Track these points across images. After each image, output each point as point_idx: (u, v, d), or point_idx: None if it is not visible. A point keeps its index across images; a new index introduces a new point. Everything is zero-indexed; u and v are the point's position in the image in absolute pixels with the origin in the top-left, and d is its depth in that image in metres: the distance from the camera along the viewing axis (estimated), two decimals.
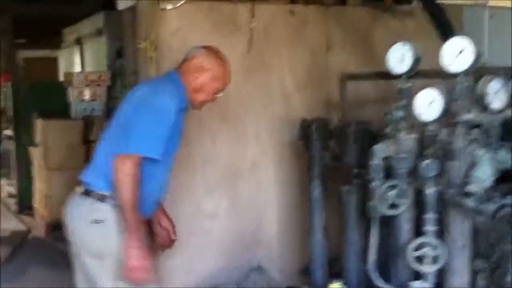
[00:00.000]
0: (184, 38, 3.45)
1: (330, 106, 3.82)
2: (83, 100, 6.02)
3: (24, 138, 7.01)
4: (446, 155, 2.37)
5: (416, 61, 2.59)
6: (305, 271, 3.55)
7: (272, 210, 3.82)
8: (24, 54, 8.76)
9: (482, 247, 2.55)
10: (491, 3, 6.31)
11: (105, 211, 2.47)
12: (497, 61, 4.43)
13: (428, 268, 2.51)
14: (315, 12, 3.85)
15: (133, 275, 2.40)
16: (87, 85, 5.97)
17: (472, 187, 2.24)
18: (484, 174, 2.23)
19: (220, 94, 2.70)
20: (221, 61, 2.69)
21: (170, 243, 2.88)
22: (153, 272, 2.46)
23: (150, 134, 2.44)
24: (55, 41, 7.57)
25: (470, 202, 2.27)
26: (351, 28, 3.99)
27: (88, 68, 6.81)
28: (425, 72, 2.68)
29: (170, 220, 2.88)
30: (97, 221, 2.47)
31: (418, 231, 2.57)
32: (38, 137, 6.15)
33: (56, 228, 5.03)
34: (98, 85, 6.02)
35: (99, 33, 6.37)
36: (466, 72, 2.34)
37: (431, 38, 3.29)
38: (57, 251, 4.95)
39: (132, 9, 3.53)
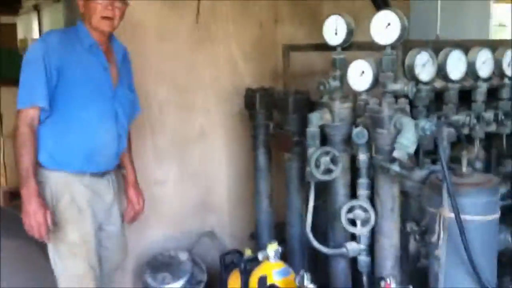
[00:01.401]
0: (132, 8, 3.42)
1: (277, 76, 3.90)
2: None
3: None
4: (374, 123, 2.48)
5: (349, 33, 2.69)
6: (255, 236, 3.68)
7: (221, 178, 3.92)
8: None
9: (414, 210, 2.72)
10: None
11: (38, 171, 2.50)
12: (451, 36, 4.55)
13: (359, 230, 2.66)
14: None
15: (28, 230, 2.40)
16: None
17: (396, 153, 2.35)
18: (407, 141, 2.34)
19: (100, 1, 2.51)
20: None
21: (134, 215, 2.89)
22: (47, 228, 2.39)
23: (23, 84, 2.45)
24: (14, 7, 7.43)
25: (395, 167, 2.39)
26: (300, 2, 4.04)
27: None
28: (359, 44, 2.77)
29: (137, 191, 2.88)
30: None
31: (355, 196, 2.69)
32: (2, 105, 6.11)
33: (15, 196, 5.01)
34: None
35: (56, 0, 6.28)
36: (393, 45, 2.44)
37: None
38: (15, 219, 4.94)
39: None
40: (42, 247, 2.60)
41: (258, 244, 3.54)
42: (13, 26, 7.36)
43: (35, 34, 6.77)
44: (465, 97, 2.75)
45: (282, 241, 3.15)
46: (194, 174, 3.83)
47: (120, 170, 2.88)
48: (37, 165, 2.48)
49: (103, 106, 2.57)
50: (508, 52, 2.70)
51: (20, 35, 7.02)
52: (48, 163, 2.51)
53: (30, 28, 6.61)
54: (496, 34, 5.49)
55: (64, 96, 2.47)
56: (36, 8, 6.79)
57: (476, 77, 2.68)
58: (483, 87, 2.69)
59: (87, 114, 2.51)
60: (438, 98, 2.71)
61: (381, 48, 2.50)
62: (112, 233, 2.77)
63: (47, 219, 2.38)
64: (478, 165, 2.72)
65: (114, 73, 2.63)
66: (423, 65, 2.55)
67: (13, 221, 5.31)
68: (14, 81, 6.02)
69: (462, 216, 2.16)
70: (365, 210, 2.62)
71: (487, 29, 5.10)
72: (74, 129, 2.50)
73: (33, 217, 2.36)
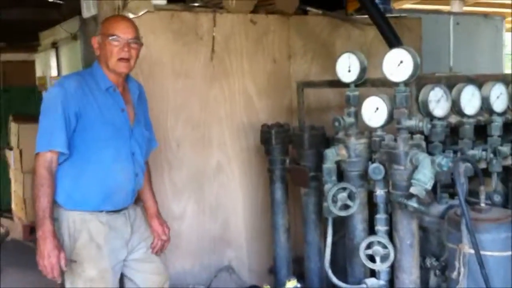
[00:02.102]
0: (146, 46, 3.48)
1: (292, 112, 3.95)
2: None
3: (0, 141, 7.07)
4: (390, 159, 2.50)
5: (363, 70, 2.72)
6: (273, 271, 3.67)
7: (238, 212, 3.94)
8: (2, 57, 8.75)
9: (433, 246, 2.71)
10: (456, 10, 6.49)
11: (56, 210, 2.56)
12: (462, 67, 4.61)
13: (379, 266, 2.65)
14: (276, 22, 3.97)
15: (42, 271, 2.43)
16: None
17: (414, 189, 2.36)
18: (424, 177, 2.35)
19: (116, 43, 2.54)
20: (105, 21, 2.66)
21: (161, 245, 2.89)
22: (59, 269, 2.42)
23: (42, 129, 2.49)
24: (33, 45, 7.59)
25: (413, 203, 2.40)
26: (312, 37, 4.11)
27: (64, 72, 6.82)
28: (372, 81, 2.81)
29: (161, 222, 2.90)
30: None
31: (374, 231, 2.68)
32: (13, 141, 6.20)
33: (34, 230, 5.07)
34: None
35: (74, 37, 6.40)
36: (406, 82, 2.48)
37: None
38: (35, 253, 4.99)
39: (95, 18, 3.59)
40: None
41: (276, 279, 3.53)
42: (32, 63, 7.50)
43: (53, 72, 6.89)
44: (481, 131, 2.76)
45: (300, 276, 3.15)
46: (211, 209, 3.86)
47: (137, 203, 2.90)
48: (55, 205, 2.53)
49: (120, 146, 2.60)
50: None
51: (38, 72, 7.15)
52: (66, 203, 2.56)
53: (48, 65, 6.72)
54: (510, 63, 5.55)
55: (82, 139, 2.52)
56: (54, 46, 6.92)
57: (491, 112, 2.70)
58: (498, 122, 2.70)
59: (103, 156, 2.55)
60: (453, 132, 2.73)
61: (393, 84, 2.54)
62: (139, 258, 2.78)
63: (60, 261, 2.41)
64: (497, 199, 2.72)
65: (131, 113, 2.68)
66: (437, 101, 2.58)
67: (32, 254, 5.44)
68: (32, 118, 6.14)
69: (482, 252, 2.16)
70: (384, 246, 2.61)
71: (500, 58, 5.14)
72: (91, 170, 2.54)
73: (46, 258, 2.39)
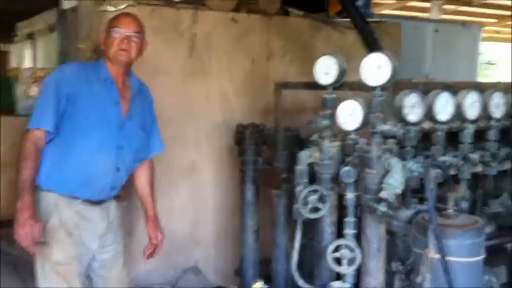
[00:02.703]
0: None
1: (268, 112, 3.93)
2: (29, 97, 5.94)
3: None
4: (363, 163, 2.49)
5: (341, 73, 2.72)
6: (240, 272, 3.65)
7: (208, 212, 3.92)
8: None
9: (400, 250, 2.72)
10: (435, 18, 6.57)
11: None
12: (440, 74, 4.66)
13: (345, 269, 2.64)
14: (257, 21, 3.98)
15: (17, 238, 2.48)
16: (34, 81, 5.86)
17: (384, 194, 2.36)
18: (395, 181, 2.35)
19: (117, 35, 2.68)
20: (112, 17, 2.82)
21: (152, 250, 2.95)
22: (33, 239, 2.48)
23: (36, 107, 2.64)
24: (9, 36, 7.50)
25: (382, 207, 2.40)
26: (292, 38, 4.12)
27: (40, 64, 6.73)
28: (350, 84, 2.81)
29: (156, 227, 2.95)
30: None
31: (342, 235, 2.67)
32: None
33: (2, 225, 4.98)
34: None
35: (51, 29, 6.33)
36: (383, 87, 2.48)
37: None
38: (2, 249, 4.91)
39: (74, 9, 3.55)
40: (24, 280, 2.63)
41: (243, 280, 3.51)
42: (7, 54, 7.42)
43: (28, 63, 6.81)
44: (452, 138, 2.78)
45: (267, 278, 3.14)
46: (182, 208, 3.82)
47: (123, 203, 2.92)
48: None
49: (105, 137, 2.66)
50: (495, 95, 2.74)
51: (13, 63, 7.06)
52: (44, 183, 2.62)
53: (23, 56, 6.65)
54: (485, 71, 5.64)
55: (70, 123, 2.61)
56: (31, 37, 6.84)
57: (464, 119, 2.71)
58: (470, 129, 2.71)
59: (87, 143, 2.62)
60: (425, 138, 2.74)
61: (370, 89, 2.54)
62: (106, 262, 2.82)
63: (35, 231, 2.48)
64: (464, 205, 2.72)
65: (125, 108, 2.74)
66: (412, 107, 2.58)
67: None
68: (4, 111, 6.02)
69: (447, 257, 2.16)
70: (351, 249, 2.61)
71: (475, 67, 5.21)
72: (73, 154, 2.61)
73: (22, 226, 2.46)
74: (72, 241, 2.63)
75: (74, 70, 2.70)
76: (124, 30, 2.68)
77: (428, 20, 5.82)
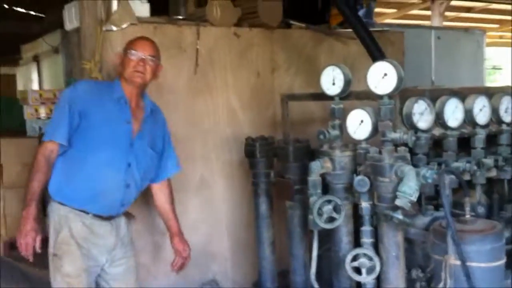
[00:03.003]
0: None
1: (275, 125, 3.96)
2: (38, 118, 5.98)
3: None
4: (376, 171, 2.50)
5: (347, 83, 2.74)
6: (258, 284, 3.64)
7: (223, 226, 3.93)
8: None
9: (419, 257, 2.72)
10: (436, 25, 6.59)
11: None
12: (444, 81, 4.67)
13: (365, 278, 2.64)
14: (260, 35, 4.00)
15: (18, 247, 2.62)
16: (42, 103, 5.92)
17: (399, 202, 2.37)
18: (409, 189, 2.35)
19: (133, 57, 2.78)
20: (130, 40, 2.91)
21: (181, 264, 3.09)
22: (33, 249, 2.61)
23: (50, 122, 2.77)
24: (14, 59, 7.56)
25: (398, 215, 2.41)
26: (296, 51, 4.14)
27: (46, 86, 6.76)
28: (357, 93, 2.82)
29: (182, 241, 3.08)
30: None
31: (359, 244, 2.68)
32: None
33: (14, 246, 5.01)
34: (53, 103, 5.99)
35: (56, 51, 6.36)
36: (390, 95, 2.49)
37: None
38: (15, 269, 4.93)
39: (78, 30, 3.57)
40: None
41: None
42: (13, 77, 7.45)
43: (35, 85, 6.84)
44: (463, 143, 2.79)
45: None
46: (195, 222, 3.82)
47: (131, 220, 2.98)
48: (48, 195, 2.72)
49: (116, 154, 2.74)
50: (504, 99, 2.75)
51: (19, 86, 7.09)
52: (56, 194, 2.72)
53: (29, 79, 6.68)
54: (491, 76, 5.66)
55: (81, 138, 2.70)
56: (36, 59, 6.87)
57: (474, 124, 2.72)
58: (481, 134, 2.72)
59: (97, 158, 2.70)
60: (436, 144, 2.75)
61: (378, 97, 2.55)
62: (117, 275, 2.89)
63: (35, 242, 2.60)
64: (480, 210, 2.73)
65: (136, 127, 2.81)
66: (421, 114, 2.60)
67: (12, 271, 5.36)
68: (14, 133, 6.05)
69: (468, 263, 2.16)
70: (370, 258, 2.61)
71: (481, 71, 5.22)
72: (83, 169, 2.69)
73: (24, 237, 2.59)
74: (81, 253, 2.70)
75: (87, 87, 2.80)
76: (140, 53, 2.78)
77: (431, 28, 5.84)
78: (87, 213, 2.72)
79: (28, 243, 2.59)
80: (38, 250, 2.61)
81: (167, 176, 3.07)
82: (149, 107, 2.90)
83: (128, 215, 2.94)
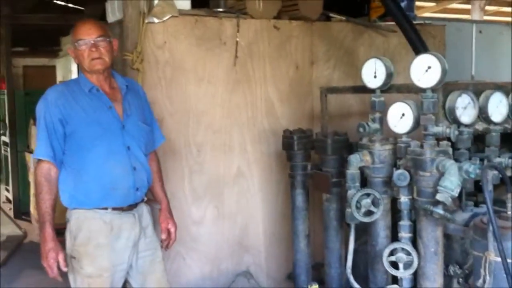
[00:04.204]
0: (170, 51, 3.59)
1: (313, 117, 3.95)
2: None
3: (20, 144, 7.18)
4: (416, 165, 2.48)
5: (389, 76, 2.71)
6: (292, 276, 3.65)
7: (258, 217, 3.94)
8: (24, 62, 8.88)
9: (457, 253, 2.69)
10: (477, 19, 6.46)
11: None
12: (484, 76, 4.60)
13: (402, 273, 2.63)
14: (299, 28, 3.99)
15: (46, 269, 2.59)
16: None
17: (440, 196, 2.35)
18: (451, 184, 2.33)
19: (83, 47, 2.66)
20: (72, 30, 2.76)
21: (167, 242, 2.95)
22: (58, 270, 2.58)
23: (36, 139, 2.69)
24: (54, 50, 7.70)
25: (439, 210, 2.38)
26: (335, 43, 4.12)
27: None
28: (398, 86, 2.80)
29: (168, 219, 2.95)
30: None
31: (396, 238, 2.67)
32: (32, 143, 6.26)
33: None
34: None
35: None
36: (433, 88, 2.46)
37: (413, 54, 3.40)
38: None
39: (120, 22, 3.62)
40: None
41: (295, 285, 3.51)
42: (52, 68, 7.60)
43: (74, 76, 6.97)
44: (506, 138, 2.74)
45: (319, 282, 3.12)
46: (231, 214, 3.86)
47: (153, 205, 2.94)
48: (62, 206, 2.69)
49: (111, 142, 2.68)
50: None
51: (59, 77, 7.23)
52: (70, 203, 2.69)
53: (68, 70, 6.80)
54: None
55: (74, 141, 2.65)
56: None
57: None
58: None
59: (95, 153, 2.64)
60: (477, 139, 2.71)
61: (420, 90, 2.52)
62: (143, 268, 2.81)
63: (58, 261, 2.57)
64: None
65: (120, 109, 2.75)
66: (464, 108, 2.56)
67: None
68: None
69: (508, 260, 2.13)
70: (407, 252, 2.59)
71: None
72: (88, 169, 2.64)
73: (45, 260, 2.57)
74: (101, 253, 2.66)
75: (56, 93, 2.68)
76: (87, 39, 2.66)
77: (472, 22, 5.73)
78: (106, 208, 2.67)
79: (50, 265, 2.56)
80: (64, 268, 2.59)
81: (155, 147, 2.99)
82: (123, 84, 2.81)
83: (150, 203, 2.89)
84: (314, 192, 3.43)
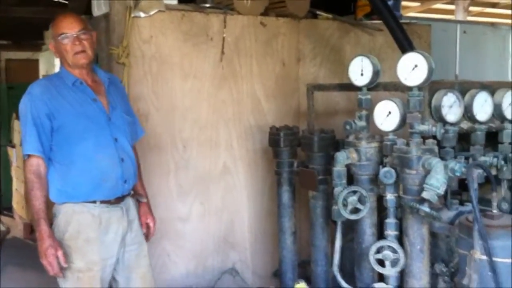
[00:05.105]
0: (156, 45, 3.56)
1: (299, 115, 3.95)
2: None
3: (2, 139, 7.08)
4: (402, 163, 2.49)
5: (375, 74, 2.72)
6: (278, 274, 3.66)
7: (244, 214, 3.93)
8: (7, 55, 8.77)
9: (443, 252, 2.70)
10: (460, 19, 6.52)
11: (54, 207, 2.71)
12: (468, 76, 4.65)
13: (389, 271, 2.64)
14: (286, 25, 3.98)
15: (45, 268, 2.55)
16: None
17: (426, 194, 2.36)
18: (437, 182, 2.35)
19: (66, 40, 2.64)
20: (52, 25, 2.75)
21: (146, 235, 2.91)
22: (58, 266, 2.53)
23: (22, 136, 2.65)
24: (38, 44, 7.61)
25: (425, 208, 2.40)
26: (322, 41, 4.12)
27: None
28: (385, 84, 2.81)
29: (146, 212, 2.92)
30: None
31: (382, 236, 2.69)
32: (16, 138, 6.18)
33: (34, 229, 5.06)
34: None
35: None
36: (419, 86, 2.48)
37: (400, 52, 3.41)
38: (36, 251, 4.99)
39: (106, 16, 3.59)
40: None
41: (281, 283, 3.52)
42: (35, 62, 7.51)
43: (57, 70, 6.90)
44: (490, 137, 2.76)
45: (305, 280, 3.13)
46: (217, 210, 3.85)
47: (139, 198, 2.91)
48: (52, 202, 2.65)
49: (98, 135, 2.67)
50: None
51: (42, 71, 7.15)
52: (58, 198, 2.65)
53: (52, 64, 6.72)
54: None
55: (61, 136, 2.62)
56: None
57: (503, 119, 2.69)
58: (509, 129, 2.70)
59: (84, 146, 2.63)
60: (461, 138, 2.73)
61: (407, 88, 2.54)
62: (129, 262, 2.79)
63: (58, 257, 2.53)
64: (505, 206, 2.71)
65: (105, 102, 2.74)
66: (450, 106, 2.58)
67: (32, 252, 5.43)
68: None
69: (494, 259, 2.15)
70: (394, 250, 2.61)
71: (506, 68, 5.17)
72: (76, 163, 2.62)
73: (44, 257, 2.53)
74: (91, 247, 2.64)
75: (41, 88, 2.66)
76: (70, 32, 2.64)
77: (456, 22, 5.79)
78: (95, 202, 2.65)
79: (50, 262, 2.52)
80: (64, 264, 2.54)
81: (136, 140, 2.97)
82: (106, 78, 2.81)
83: (135, 196, 2.87)
84: (300, 189, 3.43)
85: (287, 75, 4.00)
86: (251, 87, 3.88)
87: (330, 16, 4.15)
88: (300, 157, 3.35)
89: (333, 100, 4.05)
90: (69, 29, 2.64)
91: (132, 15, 3.46)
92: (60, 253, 2.52)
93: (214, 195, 3.84)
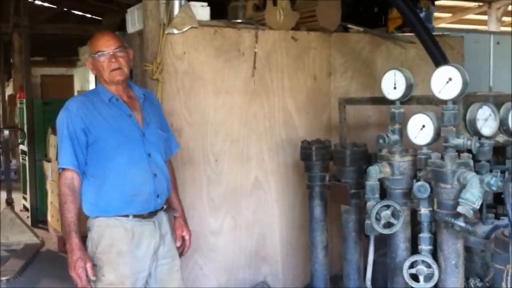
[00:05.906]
0: (189, 61, 3.62)
1: (331, 129, 3.95)
2: None
3: (38, 153, 7.25)
4: (437, 177, 2.47)
5: (409, 88, 2.71)
6: None
7: (275, 228, 3.94)
8: (42, 71, 8.99)
9: (478, 266, 2.66)
10: (493, 30, 6.43)
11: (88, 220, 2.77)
12: (502, 87, 4.58)
13: (422, 285, 2.61)
14: (317, 39, 4.00)
15: (73, 280, 2.59)
16: None
17: (461, 209, 2.33)
18: (473, 196, 2.32)
19: (103, 58, 2.71)
20: (89, 42, 2.81)
21: (182, 249, 2.96)
22: (86, 279, 2.57)
23: (59, 149, 2.72)
24: (72, 60, 7.79)
25: (460, 223, 2.37)
26: (353, 55, 4.13)
27: None
28: (419, 98, 2.79)
29: (182, 226, 2.96)
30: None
31: (415, 250, 2.66)
32: (51, 152, 6.32)
33: None
34: None
35: None
36: (454, 100, 2.46)
37: (432, 65, 3.39)
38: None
39: (140, 33, 3.66)
40: None
41: None
42: (69, 78, 7.69)
43: (92, 86, 7.05)
44: None
45: None
46: (248, 224, 3.86)
47: (172, 212, 2.95)
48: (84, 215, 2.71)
49: (133, 150, 2.72)
50: None
51: (77, 86, 7.31)
52: (92, 211, 2.71)
53: (86, 80, 6.87)
54: None
55: (96, 150, 2.68)
56: None
57: None
58: None
59: (118, 161, 2.68)
60: (496, 152, 2.69)
61: (441, 102, 2.52)
62: (161, 276, 2.81)
63: (86, 271, 2.57)
64: None
65: (139, 117, 2.79)
66: (485, 120, 2.55)
67: (65, 265, 5.52)
68: None
69: None
70: (428, 265, 2.58)
71: None
72: (110, 177, 2.68)
73: (73, 269, 2.57)
74: (123, 260, 2.67)
75: (77, 104, 2.73)
76: (107, 50, 2.71)
77: (489, 33, 5.72)
78: (128, 216, 2.70)
79: (79, 274, 2.56)
80: (92, 277, 2.58)
81: (171, 155, 3.02)
82: (141, 94, 2.87)
83: (168, 210, 2.91)
84: (332, 203, 3.42)
85: (318, 89, 4.01)
86: (282, 101, 3.90)
87: (361, 29, 4.15)
88: (332, 171, 3.34)
89: (364, 114, 4.04)
90: (106, 47, 2.71)
91: (166, 32, 3.52)
92: (89, 266, 2.57)
93: (245, 209, 3.86)
